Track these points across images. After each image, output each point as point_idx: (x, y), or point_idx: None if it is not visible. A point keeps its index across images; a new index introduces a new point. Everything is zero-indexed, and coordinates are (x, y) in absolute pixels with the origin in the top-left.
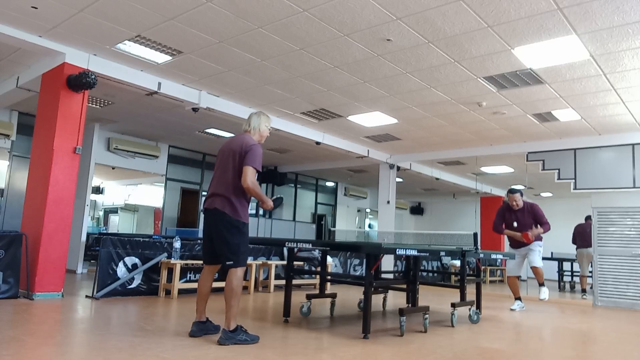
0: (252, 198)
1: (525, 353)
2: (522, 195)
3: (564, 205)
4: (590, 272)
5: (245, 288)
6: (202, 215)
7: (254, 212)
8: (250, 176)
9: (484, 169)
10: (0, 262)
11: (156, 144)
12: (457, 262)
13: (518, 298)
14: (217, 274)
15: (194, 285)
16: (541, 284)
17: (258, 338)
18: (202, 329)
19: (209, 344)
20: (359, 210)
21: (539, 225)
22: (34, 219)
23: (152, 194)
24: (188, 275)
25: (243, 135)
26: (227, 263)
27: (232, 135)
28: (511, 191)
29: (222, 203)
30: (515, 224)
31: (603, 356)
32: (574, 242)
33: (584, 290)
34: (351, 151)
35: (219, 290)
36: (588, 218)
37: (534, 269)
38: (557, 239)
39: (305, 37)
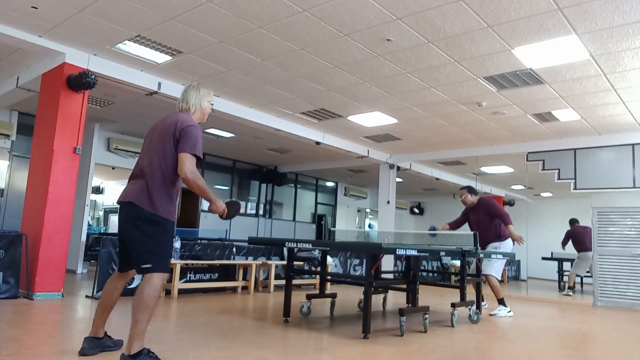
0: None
1: (526, 353)
2: (471, 192)
3: (564, 205)
4: (588, 273)
5: (245, 288)
6: (202, 215)
7: (253, 212)
8: (188, 164)
9: (484, 169)
10: (0, 262)
11: None
12: (457, 262)
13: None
14: (127, 284)
15: (194, 285)
16: (499, 301)
17: None
18: (97, 345)
19: (209, 344)
20: (359, 210)
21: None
22: (34, 219)
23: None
24: (188, 275)
25: (178, 113)
26: (143, 266)
27: (232, 135)
28: (461, 187)
29: (139, 194)
30: (473, 222)
31: (603, 356)
32: (563, 244)
33: (570, 287)
34: (351, 151)
35: (218, 290)
36: (575, 221)
37: (486, 278)
38: (557, 239)
39: (305, 37)
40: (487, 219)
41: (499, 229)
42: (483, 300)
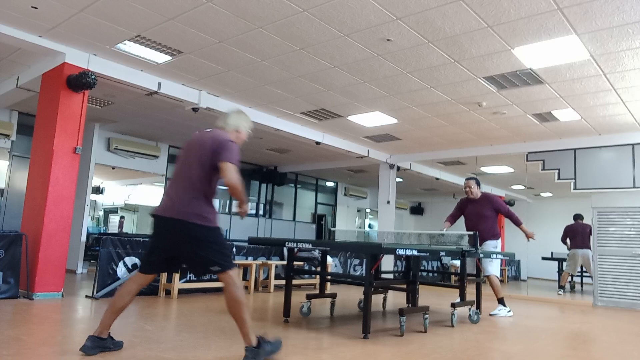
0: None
1: (525, 353)
2: (478, 184)
3: (564, 205)
4: (584, 272)
5: (245, 288)
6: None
7: (253, 212)
8: (233, 172)
9: (484, 169)
10: (0, 262)
11: (156, 144)
12: (457, 262)
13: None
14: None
15: (194, 285)
16: (499, 300)
17: (280, 341)
18: (99, 345)
19: (209, 344)
20: (359, 210)
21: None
22: (34, 219)
23: (152, 194)
24: (188, 275)
25: (216, 130)
26: (213, 268)
27: None
28: (467, 178)
29: (187, 211)
30: (473, 215)
31: (603, 356)
32: (563, 241)
33: (561, 287)
34: (351, 151)
35: (218, 290)
36: (578, 217)
37: (488, 278)
38: (558, 239)
39: (305, 37)
40: (491, 215)
41: (495, 226)
42: (504, 304)
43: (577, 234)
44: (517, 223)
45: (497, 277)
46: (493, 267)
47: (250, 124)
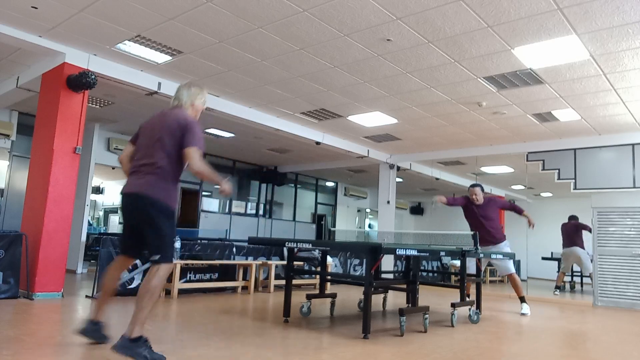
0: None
1: (525, 353)
2: (482, 190)
3: (564, 205)
4: (578, 272)
5: (245, 288)
6: (202, 215)
7: (253, 212)
8: (198, 158)
9: (484, 169)
10: (0, 262)
11: None
12: (457, 262)
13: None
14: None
15: (194, 285)
16: (522, 299)
17: (162, 358)
18: (95, 330)
19: (209, 344)
20: (359, 210)
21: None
22: (34, 219)
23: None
24: (188, 275)
25: (175, 109)
26: (153, 257)
27: (232, 135)
28: (472, 185)
29: (153, 188)
30: (481, 219)
31: (603, 356)
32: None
33: (557, 287)
34: (351, 151)
35: (218, 290)
36: (572, 218)
37: (509, 277)
38: (557, 239)
39: (305, 37)
40: (496, 216)
41: (498, 227)
42: (526, 302)
43: (568, 233)
44: (520, 212)
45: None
46: (511, 266)
47: (203, 93)
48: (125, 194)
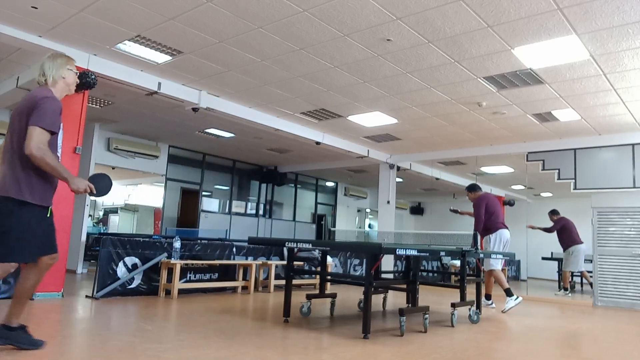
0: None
1: (525, 353)
2: (470, 190)
3: (564, 205)
4: (578, 272)
5: (245, 288)
6: (202, 215)
7: (253, 212)
8: (35, 139)
9: (484, 169)
10: None
11: (156, 144)
12: (457, 262)
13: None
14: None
15: (194, 285)
16: (506, 291)
17: (40, 343)
18: (2, 335)
19: (209, 344)
20: (359, 210)
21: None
22: None
23: (152, 194)
24: (188, 275)
25: (36, 89)
26: (7, 259)
27: (232, 135)
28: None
29: (7, 185)
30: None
31: (603, 356)
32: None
33: (565, 288)
34: (351, 151)
35: (218, 290)
36: (554, 213)
37: (489, 273)
38: (557, 239)
39: (305, 37)
40: (477, 211)
41: (489, 222)
42: (489, 299)
43: (571, 229)
44: (463, 213)
45: (498, 269)
46: (493, 262)
47: (71, 64)
48: None
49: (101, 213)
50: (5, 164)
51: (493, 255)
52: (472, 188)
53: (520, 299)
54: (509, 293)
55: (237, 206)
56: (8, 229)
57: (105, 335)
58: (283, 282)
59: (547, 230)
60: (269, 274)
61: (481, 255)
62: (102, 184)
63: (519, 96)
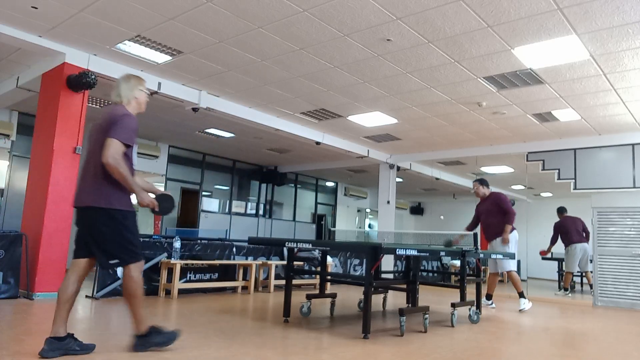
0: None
1: (525, 353)
2: (482, 184)
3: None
4: (578, 271)
5: (245, 288)
6: (202, 215)
7: (253, 212)
8: (112, 149)
9: (484, 169)
10: (0, 262)
11: (156, 144)
12: (457, 262)
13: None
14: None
15: (194, 285)
16: (520, 294)
17: (175, 334)
18: (58, 347)
19: (209, 344)
20: (359, 210)
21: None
22: (34, 219)
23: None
24: (188, 275)
25: (114, 106)
26: (111, 262)
27: (232, 135)
28: (474, 180)
29: (95, 196)
30: (483, 214)
31: (603, 356)
32: (553, 241)
33: (565, 289)
34: (351, 151)
35: (218, 290)
36: (563, 211)
37: (509, 274)
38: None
39: (305, 37)
40: (496, 210)
41: (502, 223)
42: (490, 299)
43: (572, 229)
44: (507, 222)
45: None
46: (510, 263)
47: (143, 85)
48: (75, 208)
49: None
50: (88, 178)
51: (496, 256)
52: (487, 183)
53: (531, 304)
54: (522, 295)
55: (237, 206)
56: (110, 235)
57: (105, 336)
58: (283, 282)
59: (552, 242)
60: (269, 274)
61: (481, 255)
62: (166, 204)
63: (519, 96)
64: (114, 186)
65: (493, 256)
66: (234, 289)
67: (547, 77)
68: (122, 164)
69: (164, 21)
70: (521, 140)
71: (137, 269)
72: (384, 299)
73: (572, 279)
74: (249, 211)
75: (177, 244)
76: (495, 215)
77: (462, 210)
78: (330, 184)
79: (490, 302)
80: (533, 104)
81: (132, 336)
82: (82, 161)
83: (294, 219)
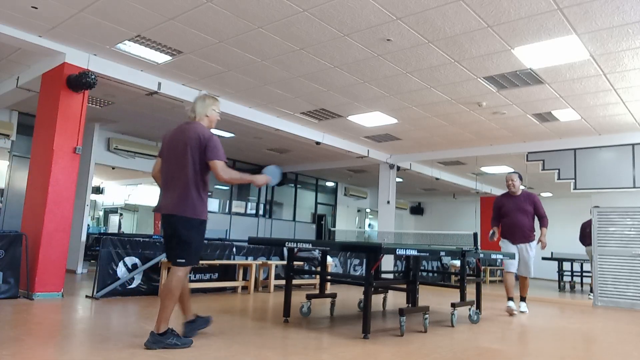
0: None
1: (525, 353)
2: (520, 178)
3: (564, 205)
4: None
5: (245, 288)
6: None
7: (253, 212)
8: (221, 170)
9: (484, 169)
10: (0, 262)
11: (156, 144)
12: (457, 262)
13: (511, 298)
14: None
15: (195, 285)
16: (523, 298)
17: (191, 342)
18: (192, 328)
19: (209, 344)
20: (359, 210)
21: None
22: (34, 219)
23: (152, 194)
24: (188, 275)
25: (193, 124)
26: (178, 260)
27: (232, 135)
28: (509, 172)
29: (182, 205)
30: (513, 212)
31: (603, 356)
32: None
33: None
34: (351, 151)
35: (218, 290)
36: None
37: (524, 279)
38: (557, 239)
39: (305, 37)
40: (530, 211)
41: (533, 225)
42: (525, 300)
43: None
44: (544, 225)
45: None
46: (531, 269)
47: (217, 105)
48: (161, 214)
49: (101, 213)
50: (178, 189)
51: (499, 255)
52: (522, 178)
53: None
54: (524, 300)
55: (237, 206)
56: (190, 240)
57: (105, 335)
58: (283, 282)
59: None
60: (269, 274)
61: (481, 255)
62: (274, 175)
63: (519, 96)
64: (200, 199)
65: (497, 255)
66: (234, 289)
67: (547, 77)
68: (233, 174)
69: (164, 21)
70: (521, 140)
71: (186, 271)
72: (384, 299)
73: (573, 279)
74: (249, 211)
75: None
76: (528, 217)
77: (462, 210)
78: (330, 184)
79: (522, 305)
80: (533, 104)
81: (150, 332)
82: (164, 171)
83: (294, 219)
